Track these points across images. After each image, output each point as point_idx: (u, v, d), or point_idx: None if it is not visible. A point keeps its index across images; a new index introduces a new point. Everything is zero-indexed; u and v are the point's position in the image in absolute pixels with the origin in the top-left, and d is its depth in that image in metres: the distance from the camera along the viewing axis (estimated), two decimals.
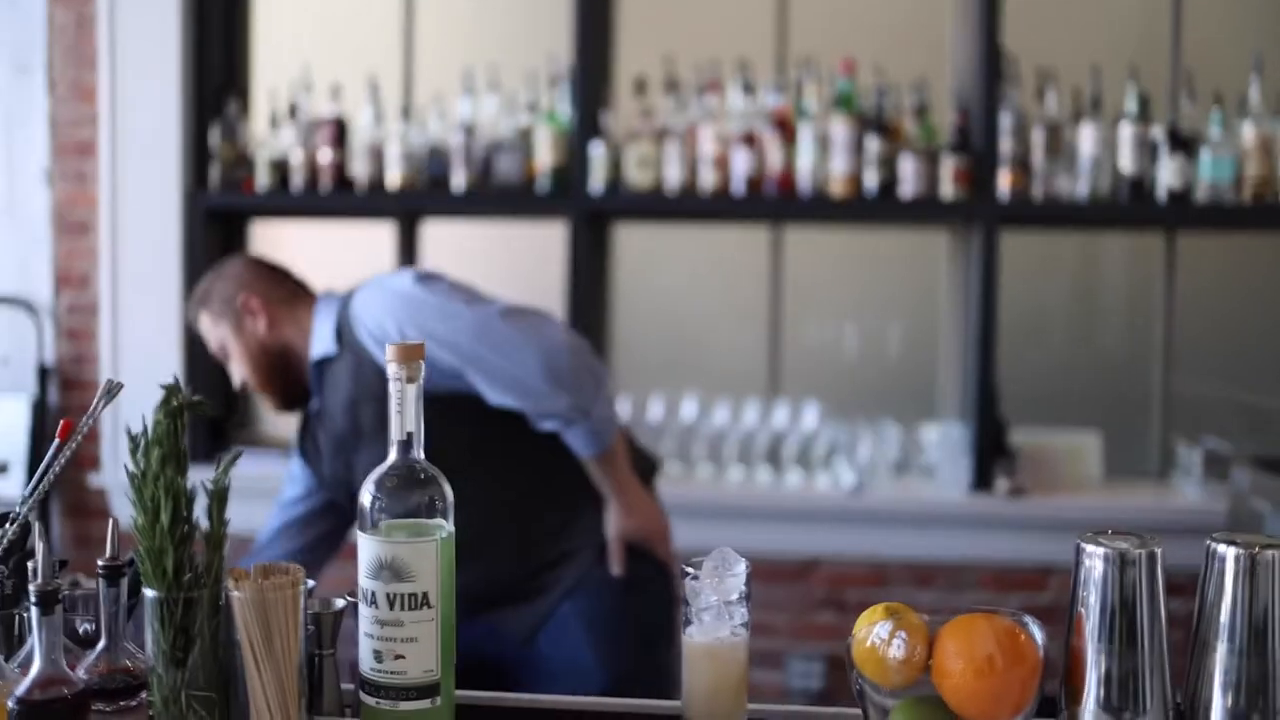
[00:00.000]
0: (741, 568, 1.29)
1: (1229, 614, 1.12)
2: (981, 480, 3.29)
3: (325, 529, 2.33)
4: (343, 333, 2.11)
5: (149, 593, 1.13)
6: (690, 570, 1.29)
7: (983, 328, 3.28)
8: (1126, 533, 1.17)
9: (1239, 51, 3.33)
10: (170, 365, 3.47)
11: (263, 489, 3.39)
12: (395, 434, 1.19)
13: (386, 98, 3.54)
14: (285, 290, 2.22)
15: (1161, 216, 3.35)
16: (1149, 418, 3.66)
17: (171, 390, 1.11)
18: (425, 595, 1.16)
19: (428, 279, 2.08)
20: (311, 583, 1.35)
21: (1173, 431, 3.59)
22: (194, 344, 3.50)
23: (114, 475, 3.48)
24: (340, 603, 1.31)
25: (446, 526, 1.20)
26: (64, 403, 3.63)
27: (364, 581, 1.18)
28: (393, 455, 1.19)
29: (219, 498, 1.13)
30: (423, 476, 1.19)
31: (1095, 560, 1.13)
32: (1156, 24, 3.60)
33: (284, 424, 3.75)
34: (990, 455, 3.30)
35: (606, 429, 2.08)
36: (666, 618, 2.17)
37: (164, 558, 1.11)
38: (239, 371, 2.21)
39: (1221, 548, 1.14)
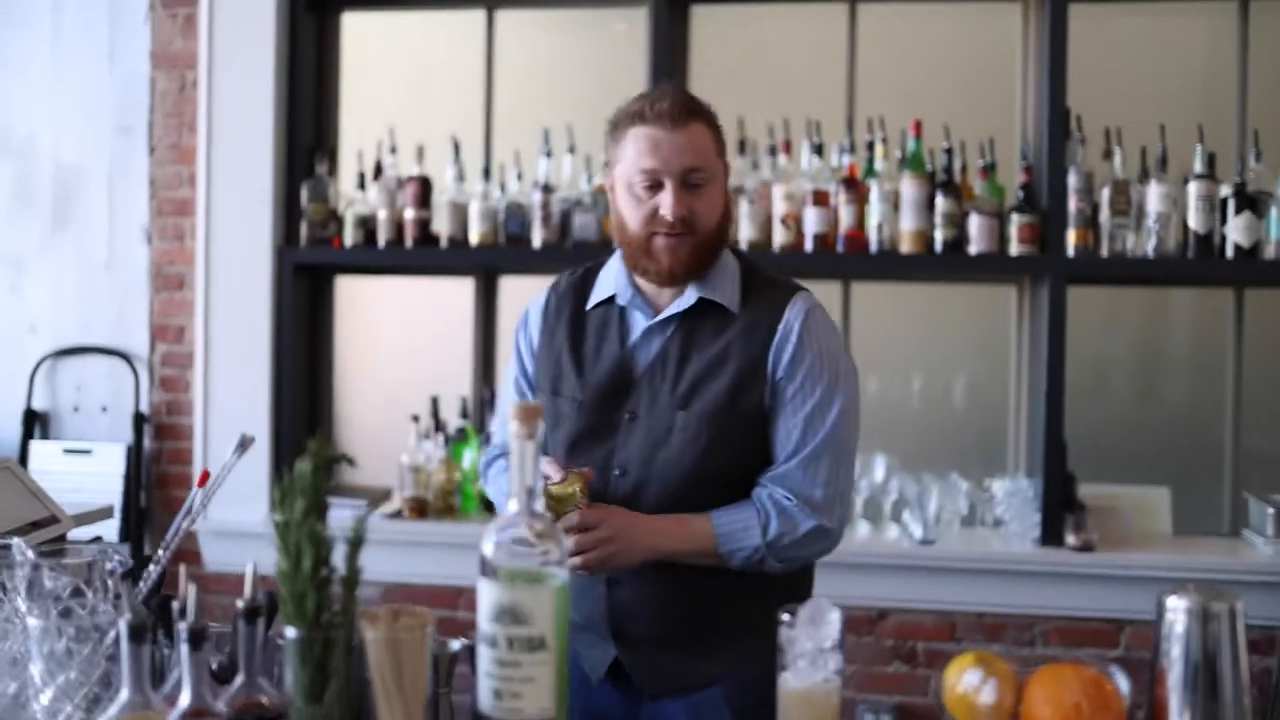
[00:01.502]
0: (836, 616, 1.36)
1: None
2: (1050, 534, 3.32)
3: None
4: (751, 300, 1.96)
5: (290, 632, 1.22)
6: (786, 618, 1.36)
7: (1051, 383, 3.32)
8: (1207, 588, 1.23)
9: None
10: (260, 413, 3.61)
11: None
12: (516, 487, 1.28)
13: (468, 158, 3.68)
14: None
15: (1229, 273, 3.38)
16: (1219, 473, 3.68)
17: (319, 445, 1.21)
18: (542, 638, 1.25)
19: None
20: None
21: (1244, 487, 3.60)
22: (281, 392, 3.64)
23: (201, 519, 3.61)
24: (456, 645, 1.40)
25: (561, 575, 1.28)
26: (158, 450, 3.78)
27: (484, 625, 1.26)
28: (514, 507, 1.28)
29: (355, 545, 1.22)
30: (540, 528, 1.28)
31: (1178, 614, 1.19)
32: (1222, 84, 3.65)
33: (369, 473, 3.87)
34: (1059, 509, 3.33)
35: (778, 558, 1.91)
36: None
37: (305, 600, 1.20)
38: (702, 208, 1.89)
39: None
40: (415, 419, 3.63)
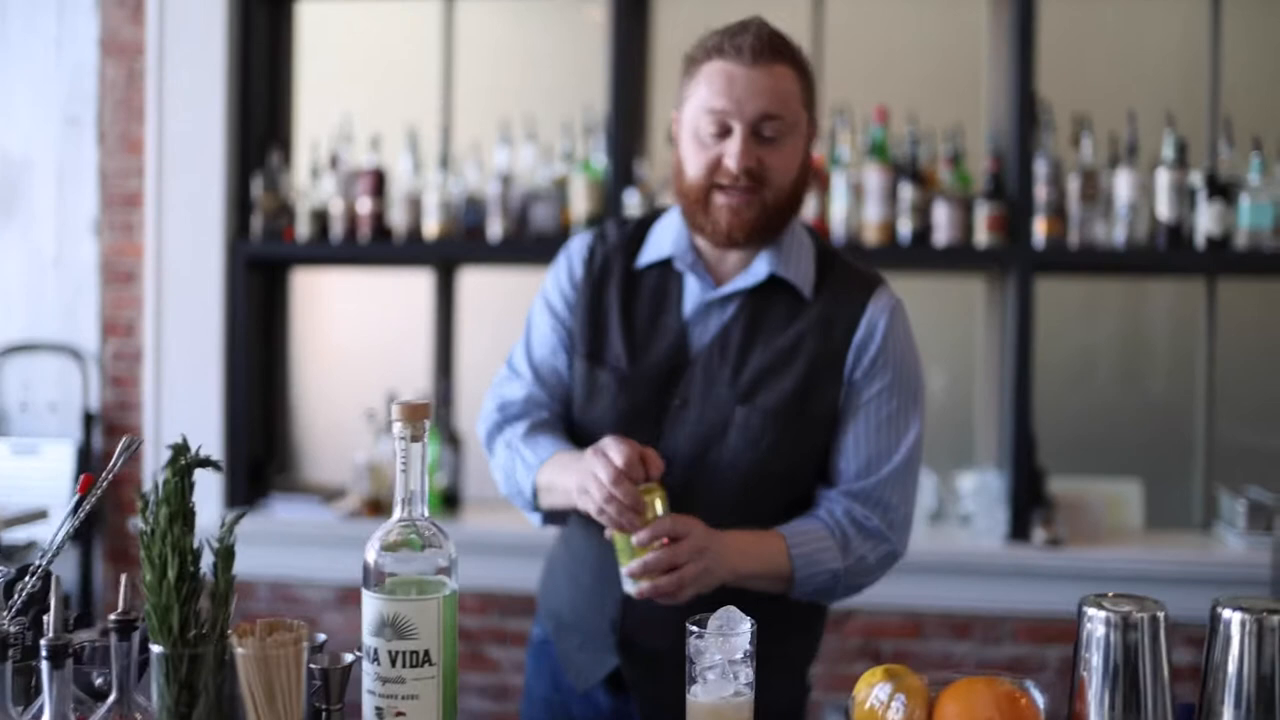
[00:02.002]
0: (746, 626, 1.29)
1: (1235, 678, 1.11)
2: (1019, 530, 3.25)
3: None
4: (828, 286, 1.73)
5: (155, 648, 1.14)
6: (695, 629, 1.29)
7: (1019, 375, 3.25)
8: (1130, 595, 1.15)
9: (1277, 97, 3.30)
10: (211, 410, 3.53)
11: (302, 534, 3.45)
12: (400, 492, 1.20)
13: (425, 148, 3.60)
14: None
15: (1200, 263, 3.31)
16: (1192, 467, 3.61)
17: (179, 450, 1.14)
18: (427, 653, 1.17)
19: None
20: (322, 637, 1.37)
21: (1216, 481, 3.53)
22: (234, 389, 3.56)
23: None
24: (349, 658, 1.32)
25: (450, 584, 1.21)
26: (107, 448, 3.70)
27: (367, 639, 1.19)
28: (397, 513, 1.21)
29: (225, 555, 1.15)
30: (427, 534, 1.21)
31: (1097, 623, 1.12)
32: (1194, 70, 3.58)
33: (324, 470, 3.80)
34: (1028, 504, 3.26)
35: (847, 584, 1.71)
36: None
37: (170, 614, 1.13)
38: (775, 163, 1.64)
39: (1227, 612, 1.12)
40: (371, 415, 3.56)
